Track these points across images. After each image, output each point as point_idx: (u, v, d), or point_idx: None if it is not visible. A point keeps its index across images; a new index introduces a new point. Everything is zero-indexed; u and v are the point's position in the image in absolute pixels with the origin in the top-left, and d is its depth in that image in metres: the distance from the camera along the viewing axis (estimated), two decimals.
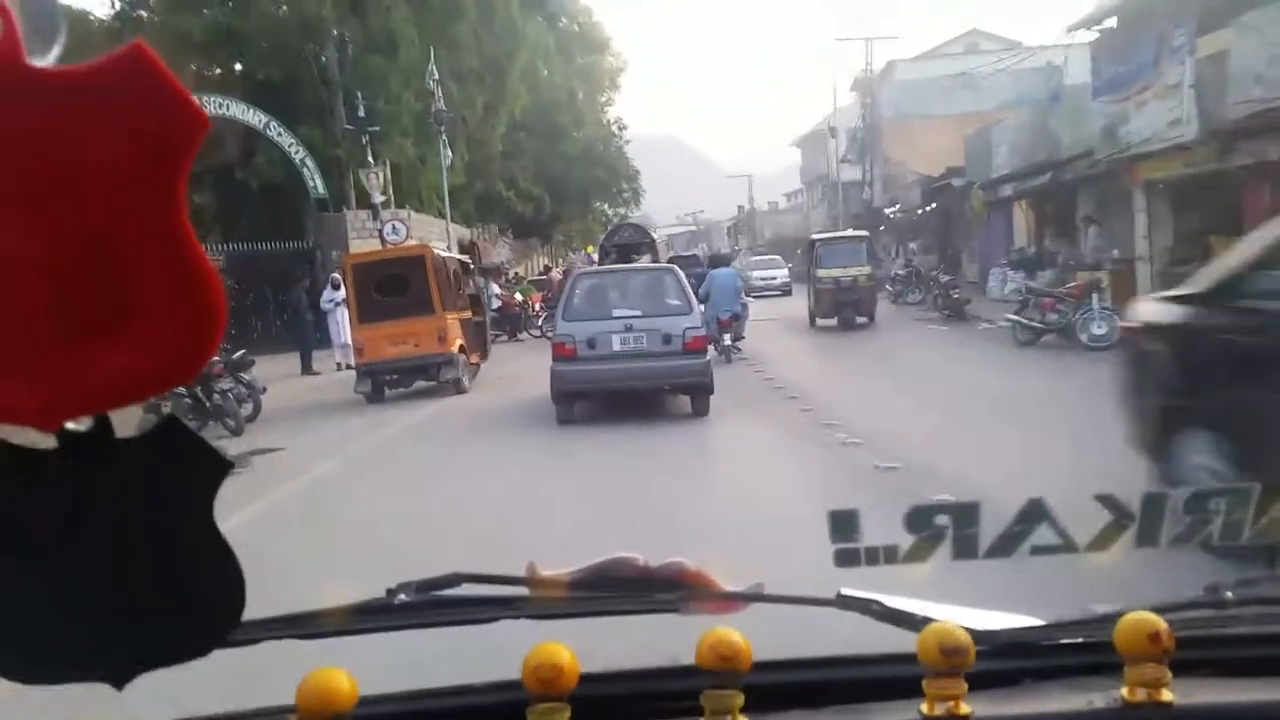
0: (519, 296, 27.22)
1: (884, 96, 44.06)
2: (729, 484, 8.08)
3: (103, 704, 0.88)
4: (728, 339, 16.43)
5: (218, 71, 28.73)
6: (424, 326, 14.85)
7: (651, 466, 8.63)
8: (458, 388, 15.08)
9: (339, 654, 1.07)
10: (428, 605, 1.18)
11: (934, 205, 37.95)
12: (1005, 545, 1.12)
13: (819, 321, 22.22)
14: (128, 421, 0.59)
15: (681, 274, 12.12)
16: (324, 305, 20.32)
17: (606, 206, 51.93)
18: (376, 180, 25.52)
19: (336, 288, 19.88)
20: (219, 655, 0.76)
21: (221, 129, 26.71)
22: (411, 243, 21.85)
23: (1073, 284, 15.88)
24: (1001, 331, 18.59)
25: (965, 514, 1.12)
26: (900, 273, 29.52)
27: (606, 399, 11.31)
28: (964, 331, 18.96)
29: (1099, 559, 1.12)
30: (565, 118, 44.64)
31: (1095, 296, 14.76)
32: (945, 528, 1.11)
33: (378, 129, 26.06)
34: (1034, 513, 1.11)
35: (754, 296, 31.64)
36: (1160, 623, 0.97)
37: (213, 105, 25.34)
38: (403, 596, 1.18)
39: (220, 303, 0.57)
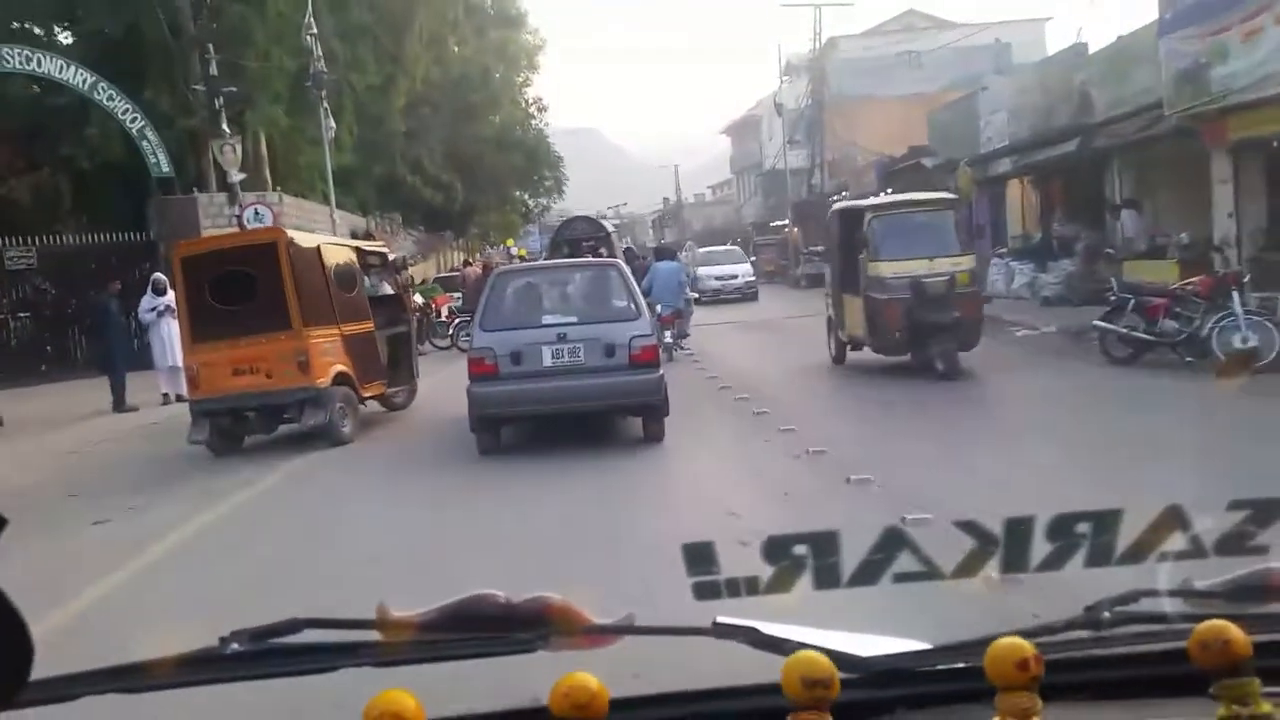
0: (419, 299, 21.83)
1: (812, 83, 39.57)
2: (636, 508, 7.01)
3: None
4: (669, 336, 14.68)
5: (38, 31, 22.69)
6: (277, 348, 9.96)
7: (583, 496, 7.32)
8: (333, 436, 10.00)
9: (170, 708, 1.05)
10: (263, 654, 1.07)
11: (889, 190, 33.51)
12: (867, 573, 1.09)
13: (855, 352, 13.07)
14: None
15: (626, 270, 9.99)
16: (142, 316, 14.80)
17: (527, 196, 46.58)
18: (233, 154, 19.92)
19: (160, 291, 14.49)
20: (35, 714, 0.77)
21: (28, 94, 20.95)
22: (263, 226, 16.38)
23: (1192, 279, 11.19)
24: (1058, 341, 13.92)
25: (824, 543, 1.08)
26: None
27: (543, 422, 9.31)
28: (1001, 342, 14.20)
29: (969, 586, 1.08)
30: (478, 97, 39.16)
31: (1236, 295, 10.10)
32: (805, 557, 1.07)
33: (235, 89, 20.43)
34: (893, 541, 1.08)
35: (706, 300, 26.93)
36: (1029, 649, 0.95)
37: (17, 59, 19.52)
38: (235, 645, 1.07)
39: None
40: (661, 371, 8.82)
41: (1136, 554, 1.09)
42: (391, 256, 14.73)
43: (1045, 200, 21.27)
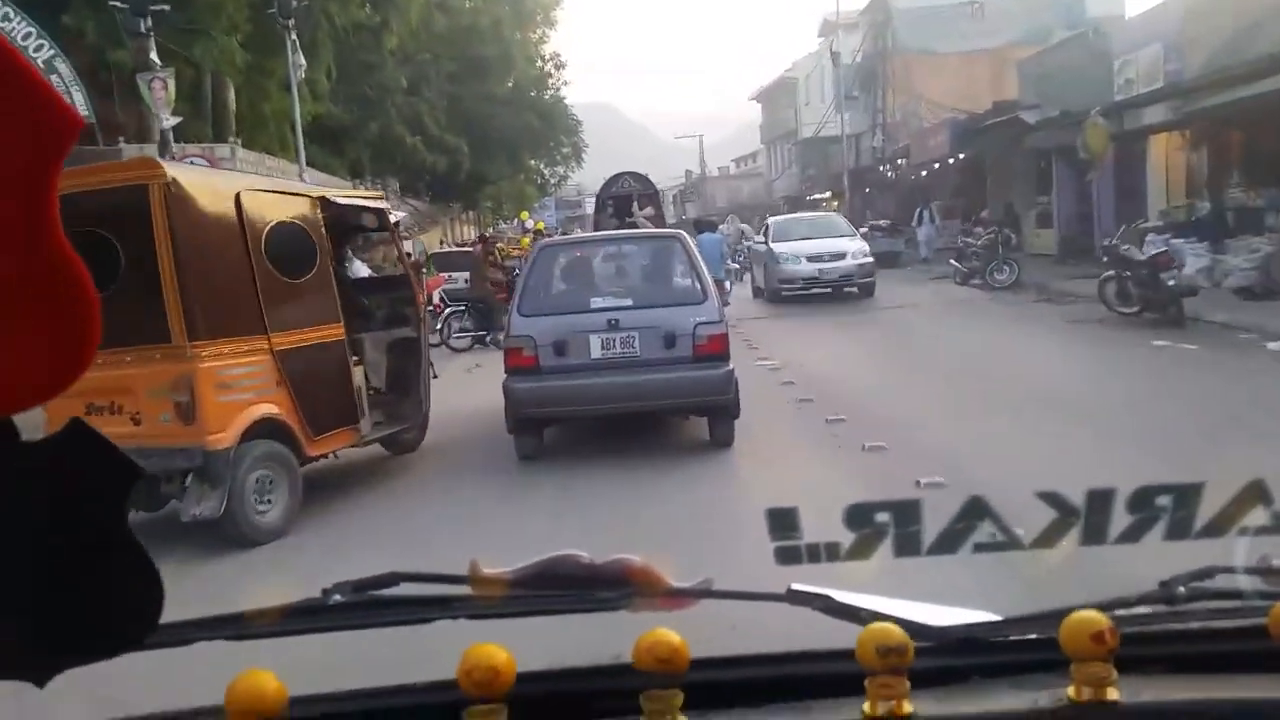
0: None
1: (874, 32, 34.33)
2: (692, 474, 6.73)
3: (29, 707, 0.84)
4: None
5: None
6: (146, 374, 5.71)
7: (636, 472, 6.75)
8: (230, 528, 5.79)
9: (275, 655, 1.05)
10: (363, 605, 1.10)
11: (961, 155, 28.44)
12: (947, 542, 1.08)
13: None
14: (33, 423, 0.57)
15: (690, 242, 8.21)
16: None
17: (542, 165, 41.56)
18: (163, 91, 15.12)
19: None
20: (151, 656, 0.81)
21: None
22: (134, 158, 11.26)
23: None
24: None
25: (906, 512, 1.08)
26: (972, 241, 19.71)
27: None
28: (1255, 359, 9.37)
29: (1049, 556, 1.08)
30: (489, 51, 34.11)
31: None
32: (886, 525, 1.07)
33: (173, 10, 15.54)
34: (976, 510, 1.08)
35: (790, 295, 18.12)
36: (1104, 621, 0.94)
37: None
38: (338, 596, 1.09)
39: (95, 310, 0.53)
40: (731, 365, 7.40)
41: (1216, 529, 1.05)
42: (395, 218, 9.54)
43: (1216, 160, 16.16)
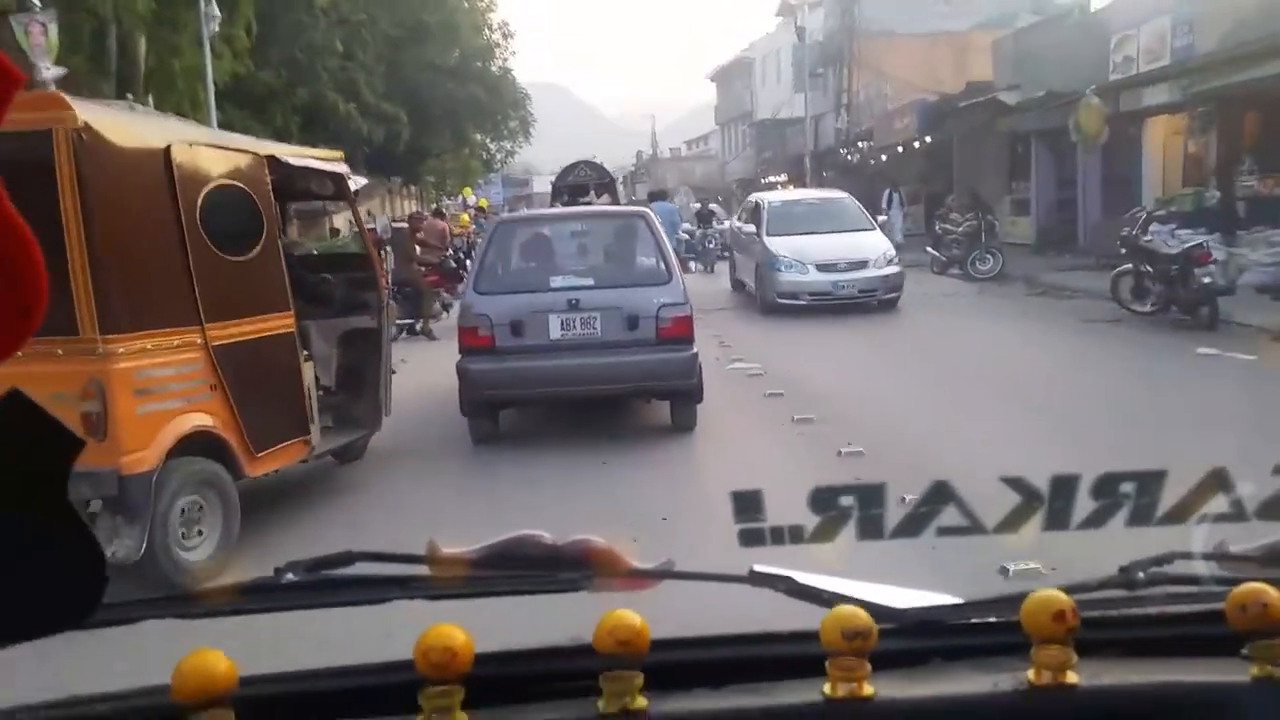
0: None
1: (841, 8, 32.68)
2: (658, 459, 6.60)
3: None
4: None
5: None
6: (48, 373, 4.20)
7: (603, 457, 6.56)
8: (150, 570, 4.59)
9: (227, 634, 1.03)
10: (317, 585, 1.08)
11: (928, 139, 26.98)
12: (911, 526, 1.08)
13: None
14: None
15: (655, 221, 7.78)
16: None
17: (488, 140, 39.28)
18: (41, 37, 12.90)
19: None
20: (96, 635, 0.82)
21: None
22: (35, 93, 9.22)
23: None
24: None
25: (870, 495, 1.08)
26: (950, 228, 18.15)
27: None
28: None
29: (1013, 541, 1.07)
30: (432, 17, 31.83)
31: None
32: (850, 508, 1.07)
33: None
34: (940, 494, 1.07)
35: (790, 306, 13.50)
36: (1066, 601, 0.94)
37: None
38: (290, 575, 1.07)
39: (41, 272, 0.52)
40: (696, 349, 7.07)
41: (1177, 515, 1.07)
42: (355, 186, 7.72)
43: (1227, 144, 14.71)
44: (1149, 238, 10.97)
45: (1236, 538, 1.09)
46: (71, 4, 14.95)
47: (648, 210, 8.87)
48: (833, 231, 14.20)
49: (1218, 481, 1.06)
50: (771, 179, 45.38)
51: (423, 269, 13.87)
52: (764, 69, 48.18)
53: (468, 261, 18.34)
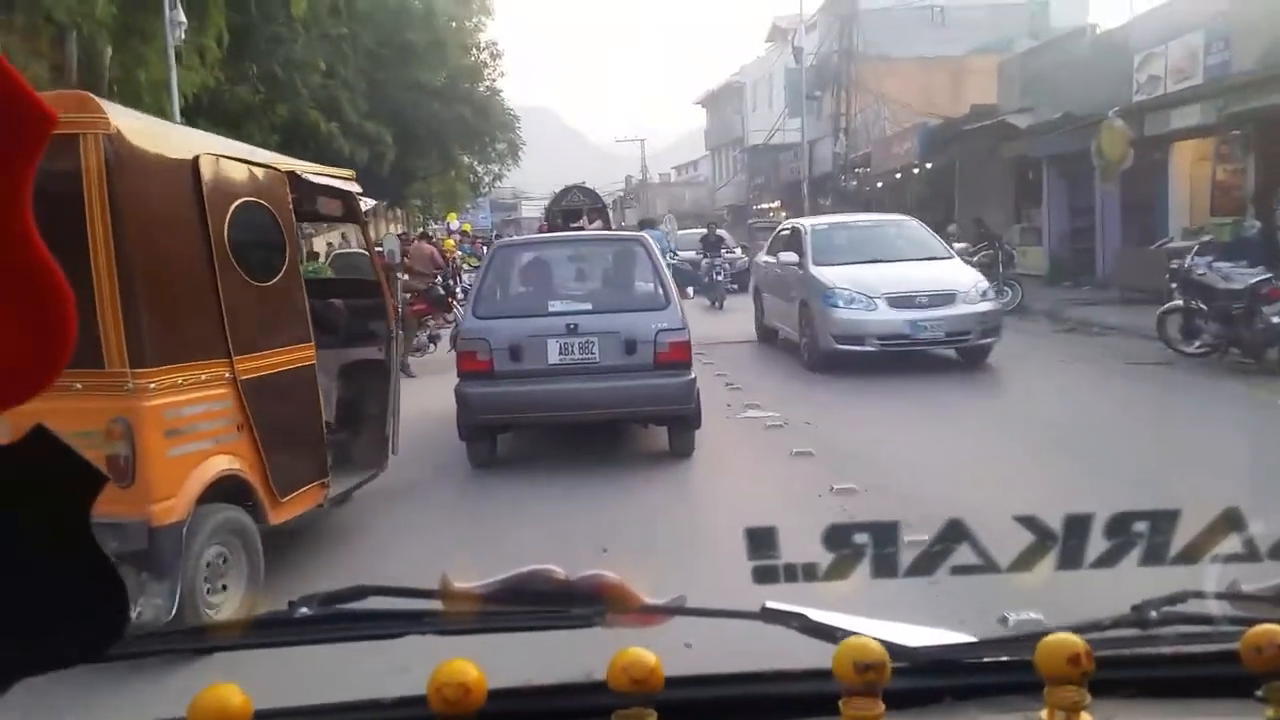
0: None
1: (839, 29, 31.82)
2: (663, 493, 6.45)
3: None
4: None
5: None
6: (67, 412, 3.63)
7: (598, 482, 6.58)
8: (175, 626, 3.51)
9: (239, 669, 1.04)
10: (330, 619, 1.07)
11: (928, 165, 26.03)
12: (925, 564, 1.07)
13: None
14: None
15: (654, 246, 7.89)
16: None
17: (476, 162, 38.18)
18: None
19: None
20: (113, 668, 0.75)
21: None
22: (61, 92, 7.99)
23: None
24: None
25: (884, 533, 1.07)
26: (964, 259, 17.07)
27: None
28: None
29: (1025, 578, 1.07)
30: (420, 38, 30.81)
31: None
32: (865, 546, 1.06)
33: None
34: (954, 532, 1.07)
35: (852, 361, 10.54)
36: (1080, 645, 0.93)
37: None
38: (304, 610, 1.07)
39: (70, 317, 0.53)
40: (694, 375, 7.04)
41: (1190, 555, 1.06)
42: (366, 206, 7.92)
43: (1266, 169, 13.68)
44: (1202, 270, 9.88)
45: (1250, 577, 1.07)
46: (31, 6, 13.86)
47: (645, 235, 8.67)
48: (896, 260, 11.28)
49: (1230, 521, 1.04)
50: (764, 205, 44.52)
51: (409, 296, 12.78)
52: (755, 94, 47.39)
53: (458, 289, 17.33)
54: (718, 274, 20.43)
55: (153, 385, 4.04)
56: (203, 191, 4.43)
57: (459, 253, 23.33)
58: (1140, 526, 1.05)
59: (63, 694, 0.90)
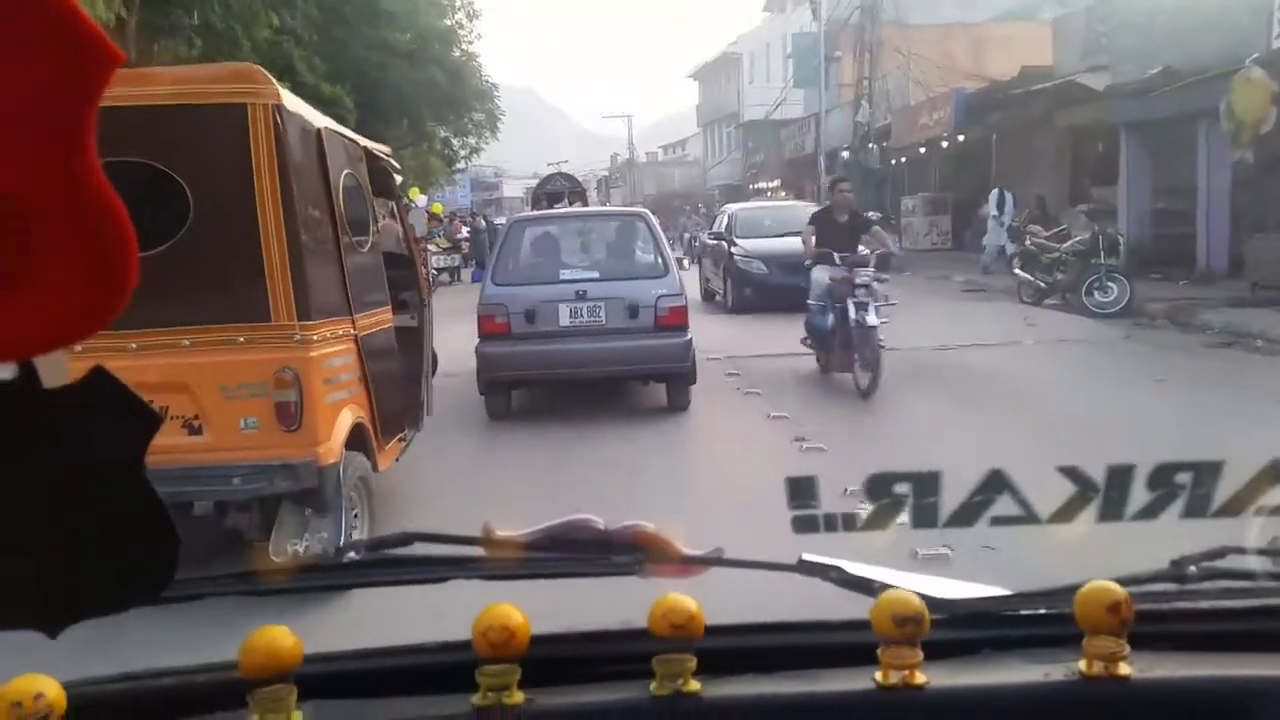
0: None
1: (841, 7, 28.18)
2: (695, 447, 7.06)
3: (39, 657, 0.85)
4: None
5: None
6: (227, 362, 4.28)
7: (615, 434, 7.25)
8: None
9: (287, 612, 1.11)
10: (377, 564, 1.11)
11: (960, 136, 22.64)
12: (966, 515, 1.06)
13: None
14: (55, 370, 0.54)
15: (654, 220, 8.60)
16: None
17: (452, 135, 34.44)
18: None
19: None
20: (162, 611, 0.79)
21: None
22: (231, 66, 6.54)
23: None
24: None
25: (925, 483, 1.05)
26: (1049, 243, 13.70)
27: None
28: None
29: (1066, 531, 1.04)
30: None
31: None
32: (905, 496, 1.05)
33: None
34: (995, 483, 1.04)
35: None
36: (1120, 593, 0.93)
37: None
38: (351, 554, 1.12)
39: (132, 250, 0.52)
40: (690, 335, 7.72)
41: (1232, 508, 1.04)
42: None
43: None
44: None
45: None
46: None
47: (646, 211, 9.30)
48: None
49: (1274, 475, 1.03)
50: (761, 184, 41.08)
51: None
52: (753, 65, 43.83)
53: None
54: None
55: (315, 337, 4.33)
56: (326, 162, 4.71)
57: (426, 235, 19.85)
58: (1182, 479, 1.02)
59: (105, 637, 0.80)
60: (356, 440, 4.70)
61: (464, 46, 32.44)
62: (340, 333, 4.66)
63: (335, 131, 5.07)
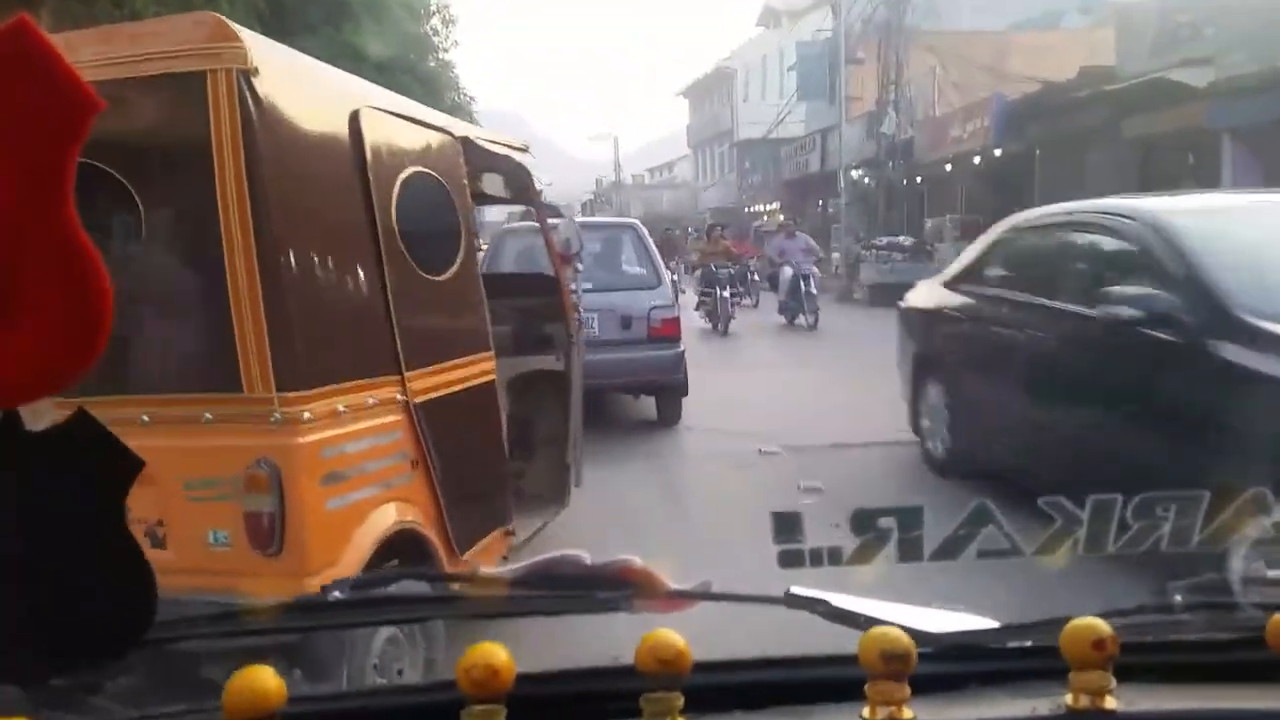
0: None
1: (862, 6, 25.51)
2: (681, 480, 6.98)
3: (21, 708, 0.82)
4: None
5: None
6: (186, 456, 2.83)
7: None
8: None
9: (273, 649, 1.05)
10: (361, 603, 1.10)
11: (996, 150, 19.85)
12: (951, 548, 1.05)
13: None
14: (39, 415, 0.54)
15: (644, 232, 8.75)
16: None
17: None
18: None
19: None
20: (145, 654, 0.78)
21: None
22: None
23: None
24: None
25: (909, 517, 1.05)
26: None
27: None
28: None
29: (1050, 563, 1.06)
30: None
31: None
32: (889, 530, 1.04)
33: None
34: (981, 516, 1.04)
35: None
36: (1105, 629, 0.91)
37: None
38: (336, 593, 1.07)
39: (107, 303, 0.52)
40: (683, 348, 7.81)
41: (1216, 538, 1.03)
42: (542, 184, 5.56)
43: None
44: None
45: (1277, 561, 1.06)
46: None
47: (637, 222, 9.50)
48: None
49: (1257, 503, 1.04)
50: (758, 207, 38.34)
51: None
52: (748, 81, 41.17)
53: None
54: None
55: (307, 414, 2.95)
56: (365, 157, 3.31)
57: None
58: (1165, 510, 1.02)
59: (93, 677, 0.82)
60: (400, 552, 3.34)
61: (439, 55, 29.70)
62: (371, 402, 3.30)
63: (387, 111, 3.57)
